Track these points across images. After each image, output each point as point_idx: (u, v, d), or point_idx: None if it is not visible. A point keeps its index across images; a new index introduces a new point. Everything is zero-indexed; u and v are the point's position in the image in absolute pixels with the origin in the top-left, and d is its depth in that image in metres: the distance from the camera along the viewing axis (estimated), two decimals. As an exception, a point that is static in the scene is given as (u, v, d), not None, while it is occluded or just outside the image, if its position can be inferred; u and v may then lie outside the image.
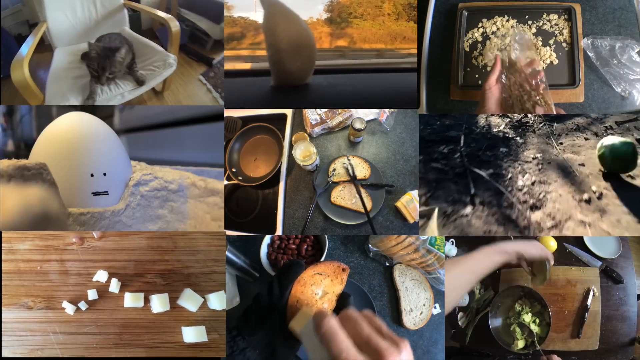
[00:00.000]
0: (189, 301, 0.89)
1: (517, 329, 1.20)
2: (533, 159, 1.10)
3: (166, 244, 0.97)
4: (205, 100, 1.52)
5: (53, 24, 1.45)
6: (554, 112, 1.05)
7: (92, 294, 0.93)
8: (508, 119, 1.27)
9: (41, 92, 1.29)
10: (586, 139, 1.15)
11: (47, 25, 1.44)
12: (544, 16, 1.26)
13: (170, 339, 0.88)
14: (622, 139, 0.99)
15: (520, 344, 1.19)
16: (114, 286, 0.93)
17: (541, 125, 1.23)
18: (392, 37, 1.57)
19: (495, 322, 1.24)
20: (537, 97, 1.04)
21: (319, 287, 1.05)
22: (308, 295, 1.06)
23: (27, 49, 1.27)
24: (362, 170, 1.35)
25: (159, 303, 0.89)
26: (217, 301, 0.90)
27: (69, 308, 0.92)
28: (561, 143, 1.15)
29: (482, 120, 1.27)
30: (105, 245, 0.98)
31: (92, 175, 0.99)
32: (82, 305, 0.92)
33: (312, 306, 0.96)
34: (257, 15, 1.50)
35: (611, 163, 1.00)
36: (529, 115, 1.25)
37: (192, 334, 0.87)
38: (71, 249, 0.98)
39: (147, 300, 0.93)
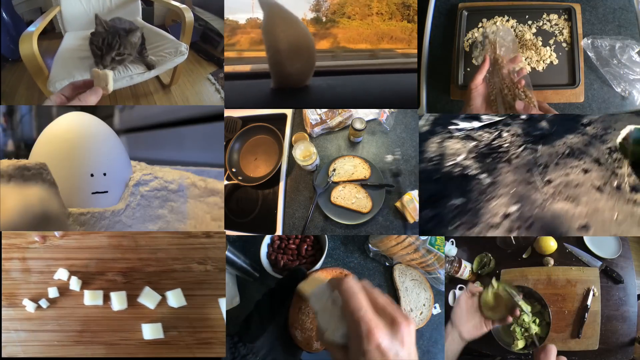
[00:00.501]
0: (148, 299, 0.90)
1: (517, 329, 1.20)
2: (505, 217, 0.77)
3: (127, 243, 0.98)
4: (214, 100, 1.52)
5: (66, 9, 1.45)
6: (537, 111, 0.95)
7: (52, 292, 0.93)
8: (473, 143, 0.92)
9: (48, 70, 1.30)
10: (585, 171, 0.83)
11: (61, 9, 1.44)
12: (544, 16, 1.26)
13: (130, 336, 0.88)
14: None
15: (520, 344, 1.18)
16: (75, 284, 0.94)
17: (520, 150, 0.90)
18: (379, 37, 1.56)
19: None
20: (518, 91, 1.02)
21: None
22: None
23: (36, 26, 1.28)
24: (362, 171, 1.35)
25: (117, 301, 0.90)
26: (175, 299, 0.91)
27: (29, 306, 0.92)
28: (549, 181, 0.83)
29: (432, 147, 0.94)
30: (68, 243, 0.99)
31: (92, 175, 0.99)
32: (43, 303, 0.92)
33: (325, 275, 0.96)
34: (255, 15, 1.50)
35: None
36: (504, 134, 1.01)
37: (149, 331, 0.87)
38: (33, 247, 0.98)
39: (108, 298, 0.94)
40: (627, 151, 0.90)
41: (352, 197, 1.31)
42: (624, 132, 0.97)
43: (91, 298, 0.92)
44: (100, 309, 0.91)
